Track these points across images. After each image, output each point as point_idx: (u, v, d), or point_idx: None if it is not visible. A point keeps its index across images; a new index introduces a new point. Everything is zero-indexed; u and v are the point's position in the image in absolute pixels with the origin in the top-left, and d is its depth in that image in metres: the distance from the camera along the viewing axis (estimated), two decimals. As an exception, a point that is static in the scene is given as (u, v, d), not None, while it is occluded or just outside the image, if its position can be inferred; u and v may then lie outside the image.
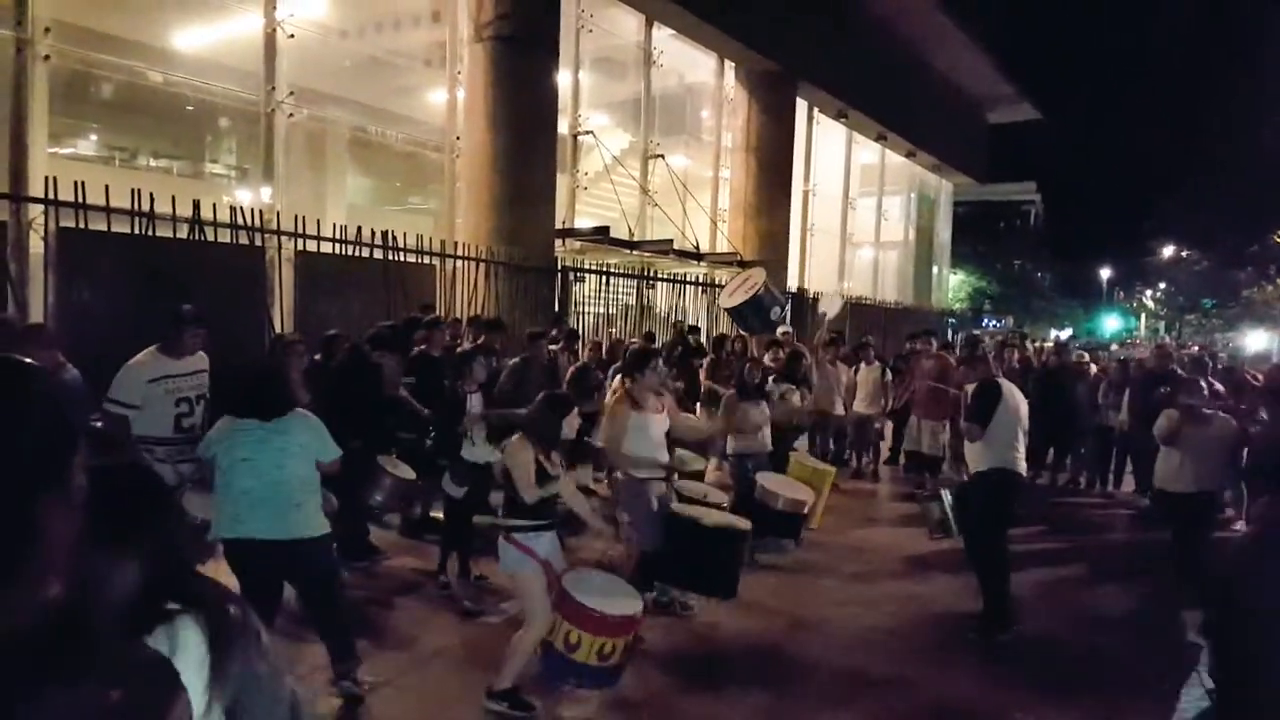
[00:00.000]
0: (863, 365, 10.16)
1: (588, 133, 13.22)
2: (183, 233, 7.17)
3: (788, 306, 10.59)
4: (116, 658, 1.03)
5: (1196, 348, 22.07)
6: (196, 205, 7.24)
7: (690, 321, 13.57)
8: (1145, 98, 56.62)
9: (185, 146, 11.22)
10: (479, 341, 7.57)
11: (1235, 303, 34.37)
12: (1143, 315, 49.65)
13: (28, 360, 1.02)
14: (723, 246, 16.07)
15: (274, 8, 9.67)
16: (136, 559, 1.63)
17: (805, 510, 6.25)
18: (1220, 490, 6.14)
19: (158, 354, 4.56)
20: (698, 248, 14.74)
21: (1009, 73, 23.71)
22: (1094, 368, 10.72)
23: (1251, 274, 31.67)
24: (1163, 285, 44.57)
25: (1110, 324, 48.87)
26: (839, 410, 9.67)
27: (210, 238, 7.38)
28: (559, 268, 11.14)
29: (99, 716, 0.96)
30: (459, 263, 9.77)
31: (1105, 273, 54.78)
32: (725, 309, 9.76)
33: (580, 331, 11.15)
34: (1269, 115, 24.12)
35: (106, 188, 6.65)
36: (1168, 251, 40.79)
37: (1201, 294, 38.72)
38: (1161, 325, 45.80)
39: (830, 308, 11.60)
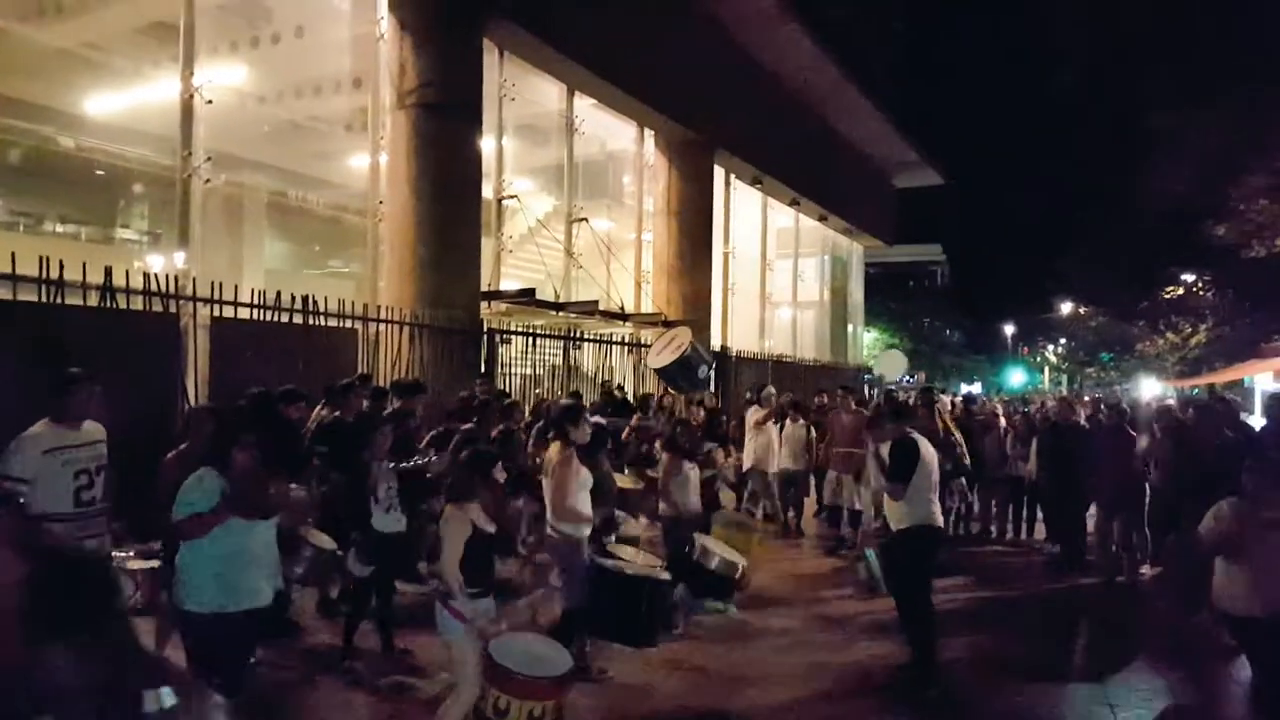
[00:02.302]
0: (788, 423, 10.37)
1: (512, 197, 13.35)
2: (93, 300, 6.94)
3: (713, 365, 10.73)
4: None
5: (1088, 397, 23.17)
6: (108, 272, 7.03)
7: (617, 381, 13.65)
8: (1042, 164, 60.34)
9: (95, 212, 10.94)
10: (396, 407, 7.45)
11: (1130, 356, 36.26)
12: (1046, 369, 51.96)
13: None
14: (648, 307, 16.32)
15: (191, 74, 9.57)
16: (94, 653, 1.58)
17: (738, 574, 6.30)
18: None
19: (51, 424, 4.33)
20: (623, 308, 14.92)
21: (913, 141, 24.96)
22: (1002, 420, 11.13)
23: (1143, 328, 33.48)
24: (1063, 340, 46.83)
25: (1015, 378, 50.95)
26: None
27: (122, 305, 7.15)
28: (485, 330, 11.12)
29: None
30: (382, 326, 9.66)
31: (1009, 329, 57.29)
32: (653, 369, 9.86)
33: (508, 392, 11.10)
34: (1155, 182, 25.89)
35: (13, 255, 6.41)
36: (1066, 308, 42.92)
37: (1099, 348, 40.73)
38: (1064, 378, 47.98)
39: (891, 368, 11.32)
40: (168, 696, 2.18)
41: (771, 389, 10.60)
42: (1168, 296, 32.28)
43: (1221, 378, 24.53)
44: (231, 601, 3.65)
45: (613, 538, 6.20)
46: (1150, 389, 30.74)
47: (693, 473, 6.69)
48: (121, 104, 10.24)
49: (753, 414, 10.19)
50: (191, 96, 9.61)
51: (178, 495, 3.71)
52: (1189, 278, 31.38)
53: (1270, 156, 19.50)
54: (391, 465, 5.78)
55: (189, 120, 9.60)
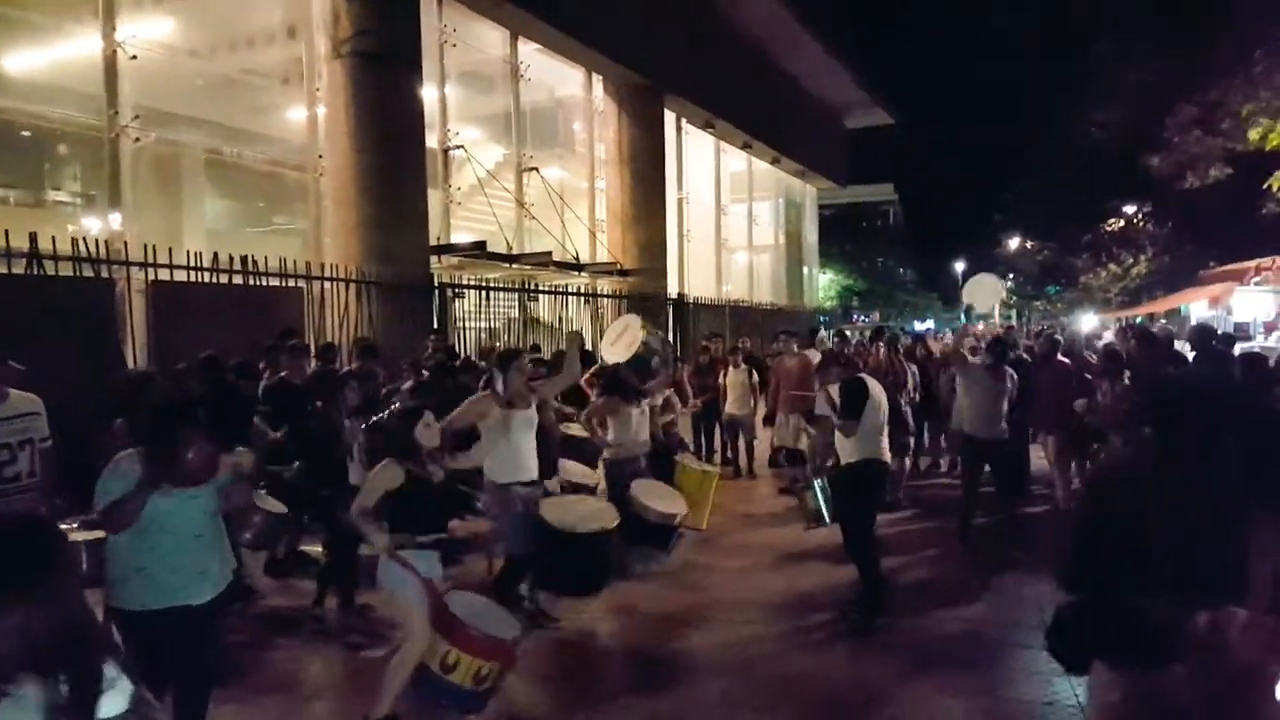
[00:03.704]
0: (731, 368, 10.45)
1: (458, 147, 13.08)
2: (20, 268, 6.69)
3: (667, 350, 10.45)
4: None
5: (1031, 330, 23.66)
6: (34, 238, 6.77)
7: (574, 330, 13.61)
8: (989, 102, 60.69)
9: (23, 174, 10.52)
10: (354, 367, 7.38)
11: (1075, 287, 37.01)
12: (995, 303, 52.81)
13: None
14: (603, 256, 16.21)
15: (113, 28, 9.16)
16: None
17: (676, 521, 6.38)
18: None
19: None
20: (578, 258, 14.81)
21: (863, 81, 24.87)
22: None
23: (1087, 261, 34.12)
24: (1011, 275, 47.62)
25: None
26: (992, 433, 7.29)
27: (52, 271, 6.91)
28: (436, 285, 10.97)
29: None
30: (328, 285, 9.49)
31: (960, 265, 57.98)
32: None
33: (464, 348, 11.03)
34: (1096, 116, 26.14)
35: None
36: (1014, 243, 43.53)
37: (1045, 282, 41.51)
38: (1012, 312, 48.90)
39: (980, 299, 10.05)
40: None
41: (824, 332, 10.29)
42: (1110, 229, 32.86)
43: (1160, 307, 25.14)
44: (157, 599, 3.23)
45: (555, 483, 6.22)
46: (1088, 322, 31.42)
47: (634, 414, 6.70)
48: (42, 61, 9.79)
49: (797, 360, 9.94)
50: (115, 52, 9.24)
51: (97, 485, 3.30)
52: (1130, 210, 31.93)
53: (1203, 88, 19.73)
54: (357, 422, 5.74)
55: (113, 77, 9.26)
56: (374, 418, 6.03)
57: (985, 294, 10.08)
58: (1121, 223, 32.54)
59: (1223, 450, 2.41)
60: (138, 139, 9.44)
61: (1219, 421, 2.43)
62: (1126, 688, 2.43)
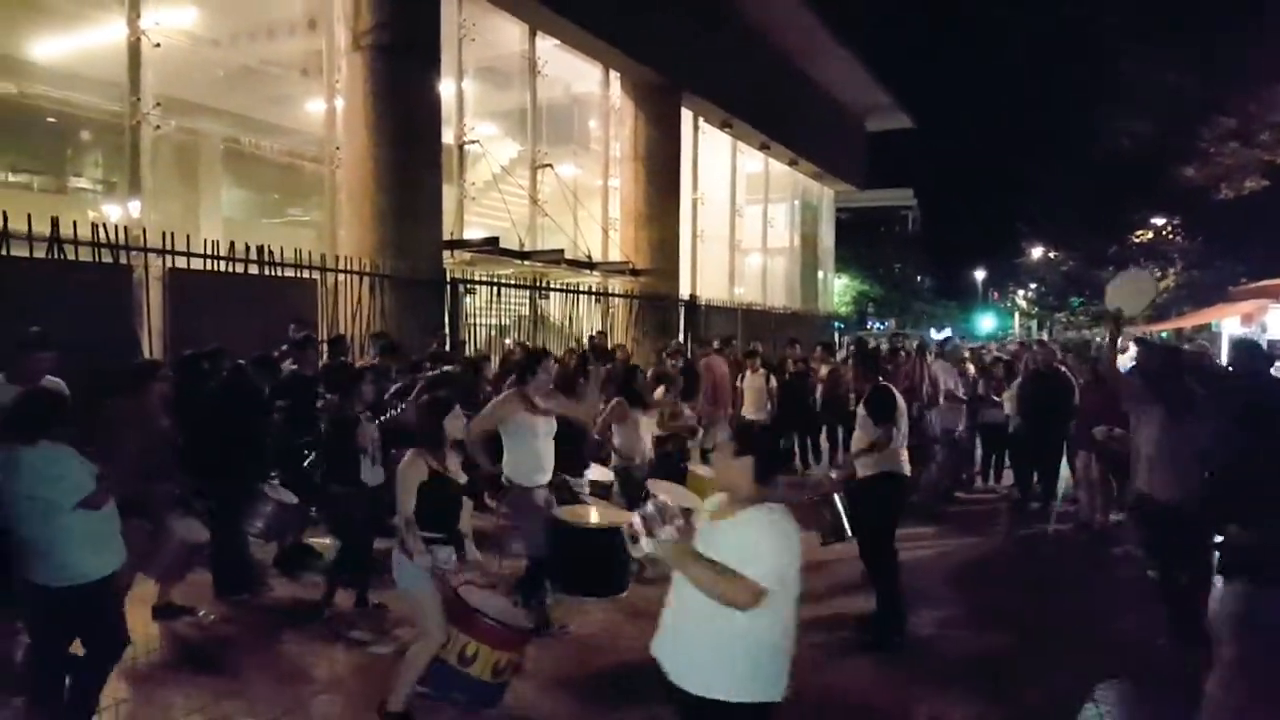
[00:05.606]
0: (748, 372, 10.43)
1: (474, 142, 13.15)
2: (41, 252, 6.80)
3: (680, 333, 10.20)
4: None
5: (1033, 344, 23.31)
6: (55, 223, 6.87)
7: (589, 331, 13.66)
8: (1013, 108, 59.92)
9: (44, 160, 10.68)
10: (373, 362, 7.46)
11: (1099, 300, 36.54)
12: (1016, 314, 52.39)
13: None
14: (615, 255, 16.23)
15: (138, 16, 9.29)
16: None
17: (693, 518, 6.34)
18: None
19: (5, 383, 4.46)
20: (590, 257, 14.84)
21: (885, 83, 24.69)
22: (971, 367, 11.13)
23: (1113, 273, 33.62)
24: (1034, 285, 47.11)
25: (985, 324, 51.34)
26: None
27: (72, 257, 7.01)
28: (448, 280, 11.03)
29: None
30: (341, 277, 9.57)
31: (980, 274, 57.59)
32: None
33: (474, 344, 11.10)
34: (1124, 126, 25.79)
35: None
36: (1037, 253, 43.05)
37: (1069, 293, 41.00)
38: (1034, 324, 48.44)
39: (1129, 300, 7.90)
40: None
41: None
42: (1137, 241, 32.42)
43: (1189, 322, 24.70)
44: (112, 563, 3.82)
45: (584, 483, 6.19)
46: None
47: (642, 419, 6.69)
48: (67, 48, 9.95)
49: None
50: (138, 40, 9.36)
51: (58, 472, 3.61)
52: (1159, 221, 31.48)
53: (1242, 98, 19.39)
54: (369, 417, 5.78)
55: (136, 64, 9.40)
56: (387, 414, 6.11)
57: (1134, 294, 7.80)
58: (1150, 235, 32.08)
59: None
60: (158, 127, 9.57)
61: None
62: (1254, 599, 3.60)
